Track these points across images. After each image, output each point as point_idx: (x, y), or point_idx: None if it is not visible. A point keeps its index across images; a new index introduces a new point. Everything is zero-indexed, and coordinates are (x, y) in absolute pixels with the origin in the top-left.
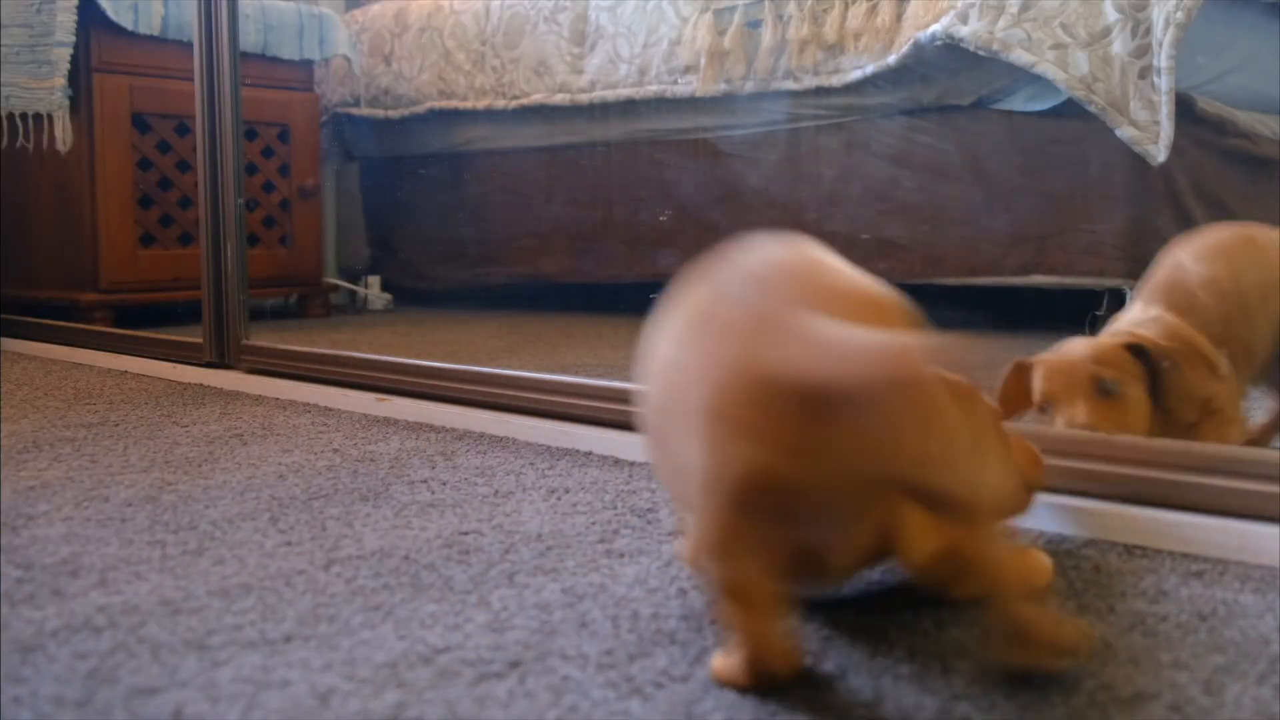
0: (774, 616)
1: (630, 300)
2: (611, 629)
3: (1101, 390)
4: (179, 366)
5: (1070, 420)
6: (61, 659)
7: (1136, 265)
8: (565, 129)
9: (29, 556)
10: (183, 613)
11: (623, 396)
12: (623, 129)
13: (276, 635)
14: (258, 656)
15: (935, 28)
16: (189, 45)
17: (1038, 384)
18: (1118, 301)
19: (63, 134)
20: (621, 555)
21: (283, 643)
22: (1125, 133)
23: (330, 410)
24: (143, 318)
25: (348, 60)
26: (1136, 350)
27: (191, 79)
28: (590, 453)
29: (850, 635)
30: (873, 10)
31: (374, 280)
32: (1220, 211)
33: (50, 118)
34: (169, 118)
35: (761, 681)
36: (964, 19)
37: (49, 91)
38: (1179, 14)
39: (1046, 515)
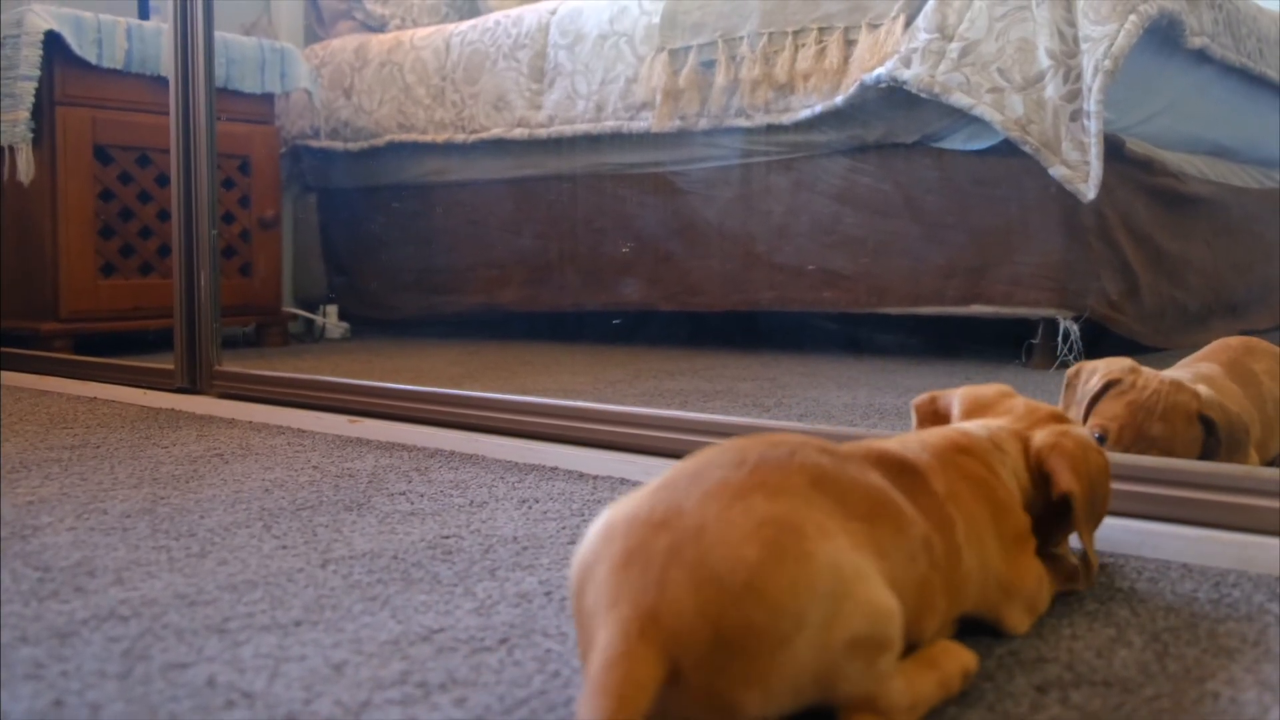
0: None
1: (589, 329)
2: None
3: None
4: (149, 392)
5: None
6: (96, 642)
7: (1069, 296)
8: (524, 162)
9: (45, 560)
10: (198, 604)
11: (586, 415)
12: (580, 163)
13: (287, 620)
14: (273, 638)
15: (880, 71)
16: (152, 79)
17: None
18: (1051, 330)
19: (25, 166)
20: None
21: (293, 626)
22: (1057, 171)
23: (304, 432)
24: (102, 346)
25: (308, 93)
26: None
27: (154, 112)
28: (556, 468)
29: None
30: (821, 53)
31: (331, 309)
32: (1148, 246)
33: (12, 150)
34: (131, 149)
35: None
36: (907, 63)
37: (12, 124)
38: (1106, 62)
39: None
